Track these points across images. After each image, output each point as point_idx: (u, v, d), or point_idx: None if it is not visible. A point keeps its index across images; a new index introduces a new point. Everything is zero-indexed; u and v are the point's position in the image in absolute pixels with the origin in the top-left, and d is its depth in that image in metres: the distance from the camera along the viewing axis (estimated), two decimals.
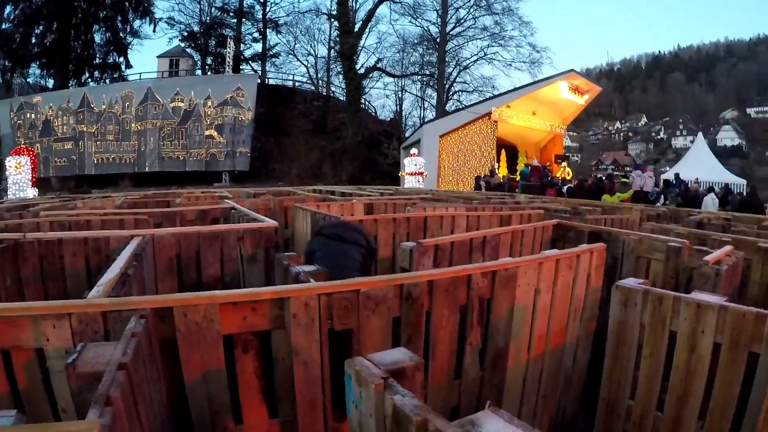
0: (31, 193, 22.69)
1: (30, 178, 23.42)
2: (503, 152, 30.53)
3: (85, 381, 1.62)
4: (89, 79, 43.92)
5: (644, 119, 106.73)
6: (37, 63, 42.86)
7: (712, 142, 71.40)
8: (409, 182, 24.41)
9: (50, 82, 42.81)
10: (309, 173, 35.93)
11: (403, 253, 3.82)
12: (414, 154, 25.68)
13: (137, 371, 1.74)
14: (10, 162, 23.33)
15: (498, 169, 28.34)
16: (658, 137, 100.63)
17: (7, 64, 41.39)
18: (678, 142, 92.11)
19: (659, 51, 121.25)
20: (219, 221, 6.64)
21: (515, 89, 30.15)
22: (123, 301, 2.21)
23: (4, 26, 40.79)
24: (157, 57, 43.73)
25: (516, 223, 6.58)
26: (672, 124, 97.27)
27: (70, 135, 35.11)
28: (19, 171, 23.11)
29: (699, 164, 29.60)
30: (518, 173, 27.31)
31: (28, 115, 35.56)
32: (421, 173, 24.87)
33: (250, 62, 46.48)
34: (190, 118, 34.08)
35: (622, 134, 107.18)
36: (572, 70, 29.40)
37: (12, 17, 40.88)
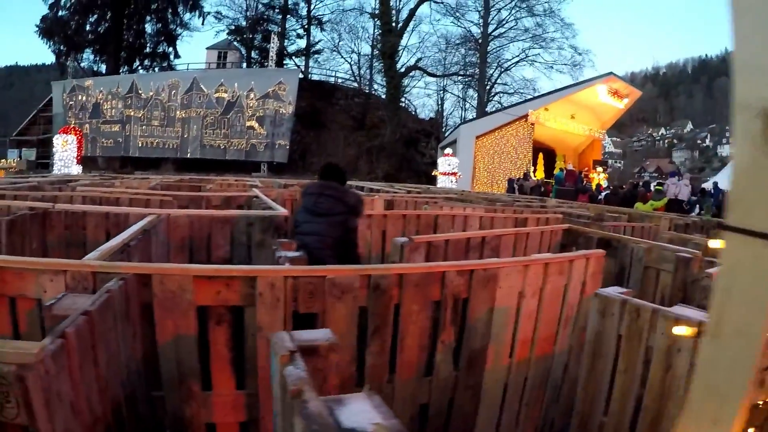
0: (76, 170, 23.65)
1: (75, 155, 24.26)
2: (540, 156, 29.62)
3: (58, 321, 1.80)
4: (139, 67, 45.33)
5: (690, 126, 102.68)
6: (91, 49, 44.59)
7: None
8: (442, 182, 24.24)
9: (102, 68, 44.44)
10: (346, 168, 35.47)
11: (393, 248, 3.76)
12: (448, 153, 25.54)
13: (104, 321, 1.99)
14: (58, 140, 24.35)
15: (534, 172, 27.71)
16: (704, 144, 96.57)
17: (62, 48, 43.05)
18: (724, 150, 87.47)
19: (706, 55, 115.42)
20: (243, 208, 6.78)
21: (553, 92, 29.72)
22: (111, 264, 2.48)
23: (60, 13, 42.51)
24: (206, 49, 44.95)
25: (533, 226, 6.45)
26: (718, 131, 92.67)
27: (118, 118, 36.43)
28: (66, 148, 24.04)
29: None
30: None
31: (80, 97, 37.20)
32: (454, 173, 24.69)
33: (294, 58, 46.71)
34: (233, 109, 34.57)
35: (666, 141, 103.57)
36: (611, 72, 28.74)
37: (68, 5, 42.54)
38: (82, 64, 44.05)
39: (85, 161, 35.01)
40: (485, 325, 2.96)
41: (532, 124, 27.85)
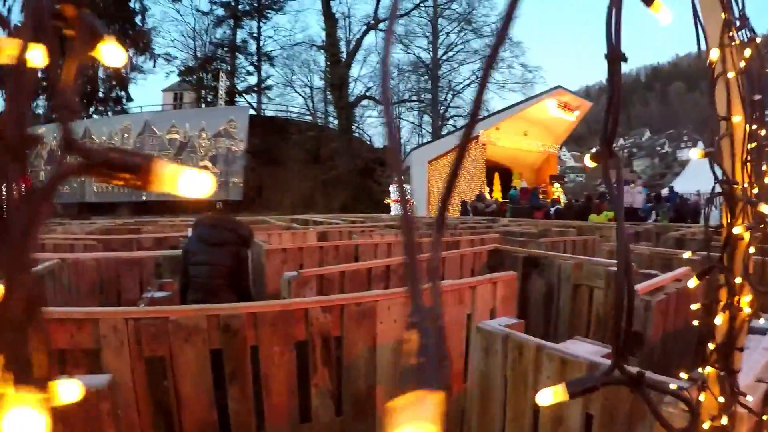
0: None
1: None
2: (496, 175, 29.27)
3: None
4: (93, 113, 44.22)
5: (647, 133, 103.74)
6: (43, 97, 43.51)
7: None
8: (396, 209, 23.85)
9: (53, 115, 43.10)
10: (302, 202, 35.08)
11: (282, 284, 3.39)
12: None
13: None
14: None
15: (491, 193, 27.53)
16: (663, 151, 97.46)
17: None
18: (683, 154, 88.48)
19: (657, 62, 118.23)
20: (177, 248, 6.44)
21: (502, 110, 29.30)
22: None
23: None
24: (162, 91, 45.11)
25: (465, 248, 6.12)
26: (676, 135, 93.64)
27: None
28: None
29: (701, 176, 28.64)
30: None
31: None
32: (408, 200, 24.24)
33: (245, 95, 46.49)
34: (185, 150, 34.07)
35: (626, 150, 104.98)
36: (559, 86, 28.62)
37: None
38: (36, 112, 43.24)
39: None
40: (368, 364, 2.59)
41: (484, 144, 27.56)
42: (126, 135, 34.74)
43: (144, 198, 34.07)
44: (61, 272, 4.34)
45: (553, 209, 20.55)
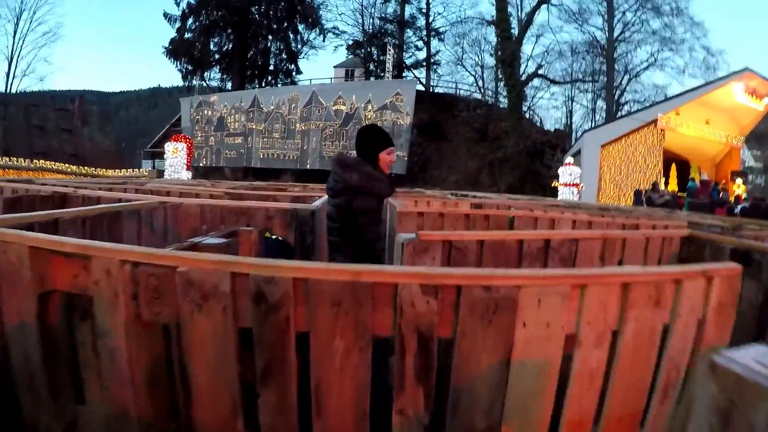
0: (185, 175, 24.71)
1: (185, 162, 25.17)
2: (673, 167, 26.18)
3: None
4: (264, 84, 47.16)
5: None
6: (218, 68, 48.03)
7: None
8: (563, 194, 22.04)
9: (229, 86, 46.98)
10: (467, 181, 34.37)
11: (396, 249, 2.43)
12: (569, 163, 23.31)
13: None
14: (168, 147, 25.53)
15: (666, 184, 24.46)
16: None
17: (188, 68, 46.37)
18: None
19: None
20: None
21: (683, 93, 26.13)
22: None
23: (186, 35, 45.99)
24: (334, 67, 46.26)
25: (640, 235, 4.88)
26: None
27: (241, 131, 38.05)
28: (176, 155, 25.26)
29: None
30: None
31: (206, 112, 39.70)
32: (576, 184, 22.45)
33: (413, 69, 46.39)
34: (351, 121, 34.33)
35: None
36: (747, 68, 24.50)
37: (193, 27, 46.04)
38: (210, 82, 47.37)
39: (212, 171, 38.59)
40: (492, 389, 1.57)
41: (662, 129, 24.61)
42: (293, 105, 36.04)
43: (308, 165, 35.25)
44: (156, 213, 4.15)
45: (738, 208, 17.90)
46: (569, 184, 22.36)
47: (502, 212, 4.77)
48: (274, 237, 3.87)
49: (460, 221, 4.30)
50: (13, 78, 50.38)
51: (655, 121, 24.47)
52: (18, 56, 50.44)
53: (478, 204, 7.38)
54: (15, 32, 50.06)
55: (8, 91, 49.60)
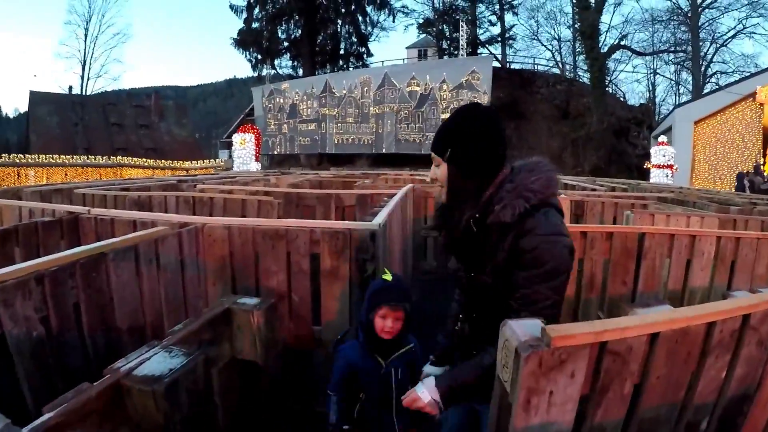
0: (254, 167, 24.70)
1: (254, 152, 25.27)
2: None
3: None
4: (336, 69, 47.21)
5: None
6: (288, 55, 48.68)
7: None
8: (656, 176, 20.96)
9: (300, 72, 47.47)
10: (549, 162, 33.32)
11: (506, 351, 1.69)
12: (662, 142, 22.00)
13: None
14: (236, 138, 25.73)
15: (764, 165, 22.14)
16: None
17: (258, 57, 47.14)
18: None
19: None
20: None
21: None
22: None
23: (254, 25, 46.77)
24: (406, 48, 46.86)
25: None
26: None
27: (314, 117, 38.33)
28: (244, 147, 25.54)
29: None
30: None
31: (278, 100, 40.24)
32: (670, 166, 21.25)
33: (487, 45, 45.41)
34: (426, 102, 34.05)
35: None
36: None
37: (260, 17, 46.69)
38: (280, 70, 48.09)
39: (287, 159, 39.51)
40: None
41: (761, 104, 22.79)
42: (365, 88, 36.01)
43: (384, 149, 35.20)
44: (165, 244, 3.37)
45: None
46: (663, 166, 21.22)
47: (629, 229, 4.23)
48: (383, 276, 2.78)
49: (577, 241, 3.88)
50: (88, 80, 53.61)
51: (753, 94, 22.91)
52: (91, 58, 53.91)
53: (579, 201, 6.92)
54: (86, 36, 53.70)
55: (84, 92, 52.78)
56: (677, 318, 1.58)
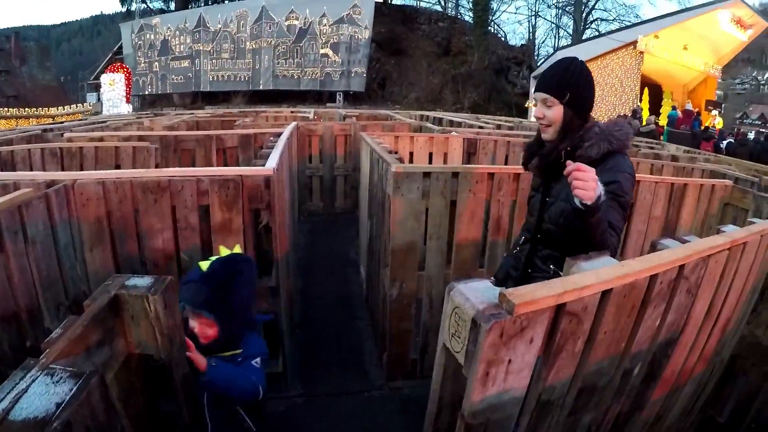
0: (125, 109, 23.77)
1: (124, 94, 24.18)
2: (645, 91, 25.57)
3: None
4: (209, 1, 44.55)
5: None
6: None
7: None
8: None
9: (171, 6, 44.65)
10: (429, 98, 34.06)
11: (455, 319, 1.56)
12: None
13: None
14: (104, 79, 24.45)
15: (642, 110, 23.36)
16: None
17: None
18: None
19: None
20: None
21: (666, 15, 25.69)
22: None
23: None
24: None
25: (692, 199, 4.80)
26: None
27: (187, 54, 36.62)
28: (113, 88, 24.27)
29: None
30: (664, 117, 23.53)
31: (148, 36, 38.18)
32: None
33: None
34: (305, 37, 33.42)
35: None
36: None
37: None
38: (150, 4, 45.05)
39: (159, 99, 37.58)
40: None
41: (642, 52, 24.13)
42: (242, 22, 34.96)
43: (261, 86, 34.47)
44: (31, 210, 2.69)
45: (724, 143, 17.43)
46: None
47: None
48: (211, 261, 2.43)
49: (484, 183, 3.86)
50: None
51: (634, 43, 24.14)
52: None
53: (471, 140, 6.72)
54: None
55: None
56: (628, 273, 1.65)
